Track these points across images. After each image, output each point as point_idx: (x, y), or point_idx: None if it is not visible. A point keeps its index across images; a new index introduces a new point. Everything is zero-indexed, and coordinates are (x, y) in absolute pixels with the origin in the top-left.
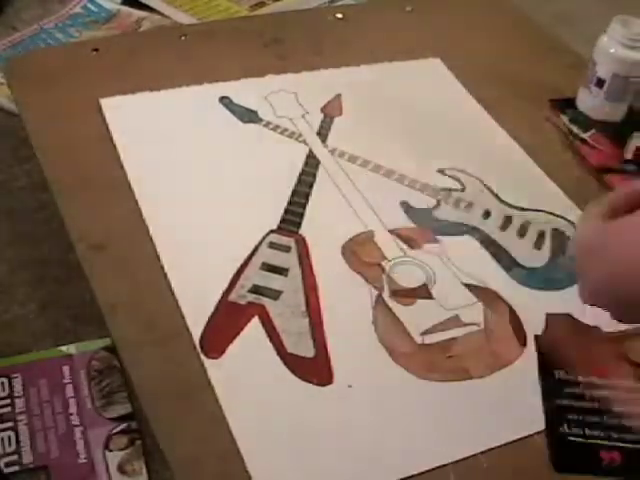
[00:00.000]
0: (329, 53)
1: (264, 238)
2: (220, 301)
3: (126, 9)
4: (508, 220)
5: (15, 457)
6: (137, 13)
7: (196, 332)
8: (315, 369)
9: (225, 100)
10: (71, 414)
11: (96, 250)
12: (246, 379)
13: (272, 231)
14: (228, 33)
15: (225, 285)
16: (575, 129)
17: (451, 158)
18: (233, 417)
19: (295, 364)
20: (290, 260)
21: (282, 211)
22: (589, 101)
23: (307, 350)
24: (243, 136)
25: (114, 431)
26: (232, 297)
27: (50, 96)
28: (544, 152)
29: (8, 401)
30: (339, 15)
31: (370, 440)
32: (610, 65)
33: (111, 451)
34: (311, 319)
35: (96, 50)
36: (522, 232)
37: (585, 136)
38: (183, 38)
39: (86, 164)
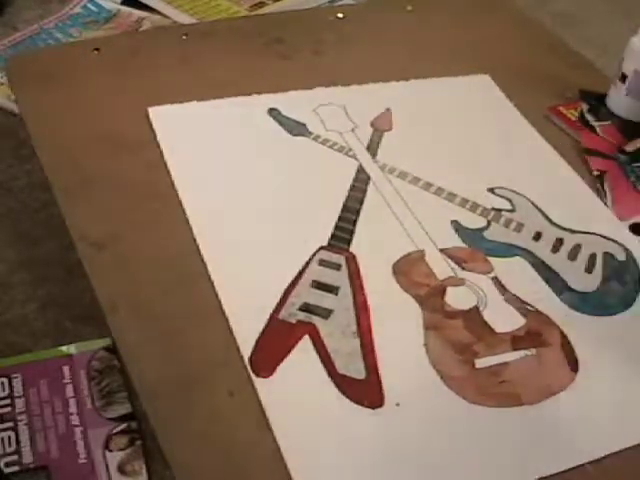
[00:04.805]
0: (330, 53)
1: (314, 255)
2: (270, 319)
3: (126, 9)
4: (559, 242)
5: (15, 457)
6: (137, 13)
7: (246, 350)
8: (366, 391)
9: (274, 112)
10: (71, 414)
11: (97, 248)
12: (296, 399)
13: (322, 247)
14: (228, 33)
15: (275, 302)
16: (588, 116)
17: (500, 176)
18: (283, 438)
19: (346, 385)
20: (340, 278)
21: (332, 227)
22: (613, 95)
23: (358, 372)
24: (292, 149)
25: (114, 431)
26: (282, 315)
27: (50, 96)
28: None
29: (8, 401)
30: (340, 15)
31: (418, 466)
32: (633, 62)
33: (111, 451)
34: (362, 340)
35: (97, 50)
36: (573, 255)
37: (596, 124)
38: (184, 38)
39: (86, 164)
